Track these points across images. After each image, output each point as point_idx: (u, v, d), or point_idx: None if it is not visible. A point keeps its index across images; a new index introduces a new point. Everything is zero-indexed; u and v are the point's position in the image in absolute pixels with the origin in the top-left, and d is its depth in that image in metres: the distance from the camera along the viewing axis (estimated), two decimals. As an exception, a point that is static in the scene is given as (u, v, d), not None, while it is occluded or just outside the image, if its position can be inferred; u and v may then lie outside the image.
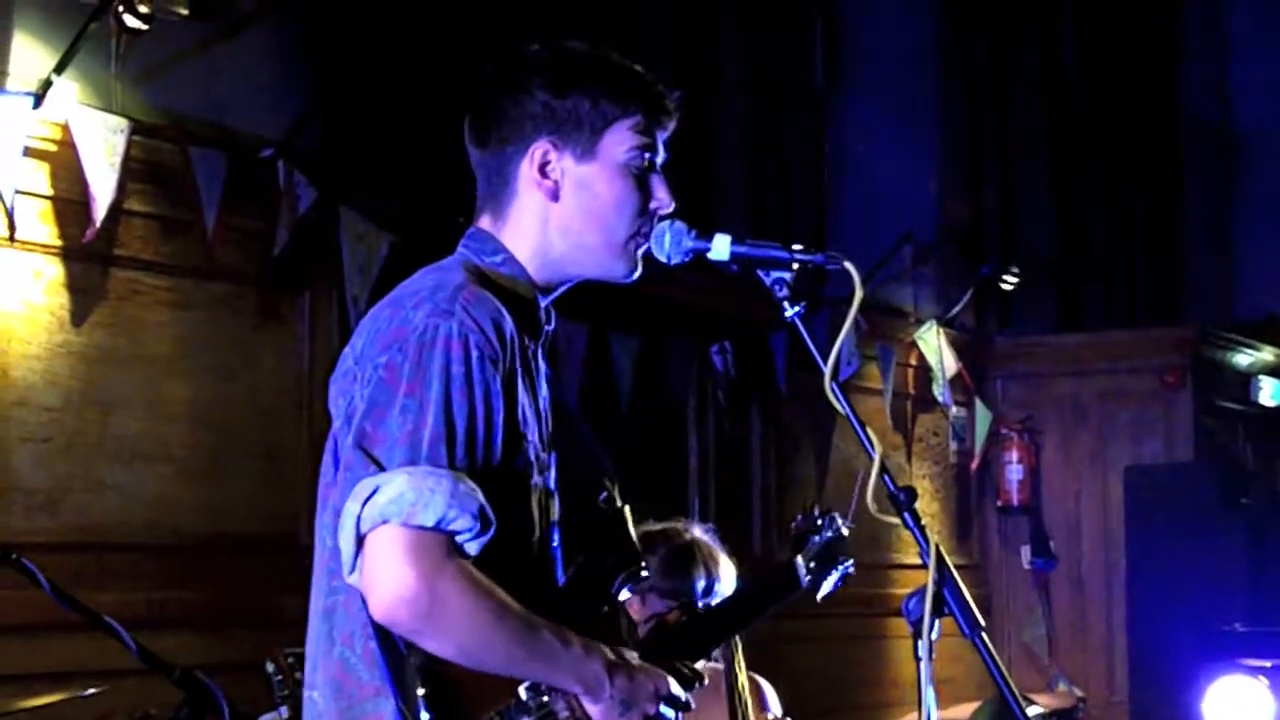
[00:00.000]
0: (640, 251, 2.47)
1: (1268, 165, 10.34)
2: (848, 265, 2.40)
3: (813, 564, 3.18)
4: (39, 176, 4.68)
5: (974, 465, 8.66)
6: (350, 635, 2.30)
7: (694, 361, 7.05)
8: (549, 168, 2.42)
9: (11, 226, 4.58)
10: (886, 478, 2.36)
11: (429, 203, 5.33)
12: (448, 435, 2.21)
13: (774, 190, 8.12)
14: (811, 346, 2.41)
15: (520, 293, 2.42)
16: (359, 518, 2.20)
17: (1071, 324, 9.61)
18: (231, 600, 5.03)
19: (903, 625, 2.35)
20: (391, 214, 5.49)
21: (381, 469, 2.21)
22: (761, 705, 3.87)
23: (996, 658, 2.32)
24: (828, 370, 2.34)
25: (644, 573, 2.49)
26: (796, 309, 2.42)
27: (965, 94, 9.05)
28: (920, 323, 8.31)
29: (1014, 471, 8.77)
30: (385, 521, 2.18)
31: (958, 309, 8.55)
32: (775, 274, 2.43)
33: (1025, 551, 8.86)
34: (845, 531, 3.25)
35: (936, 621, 2.32)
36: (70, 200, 4.72)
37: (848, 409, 2.37)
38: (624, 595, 2.48)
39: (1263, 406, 9.30)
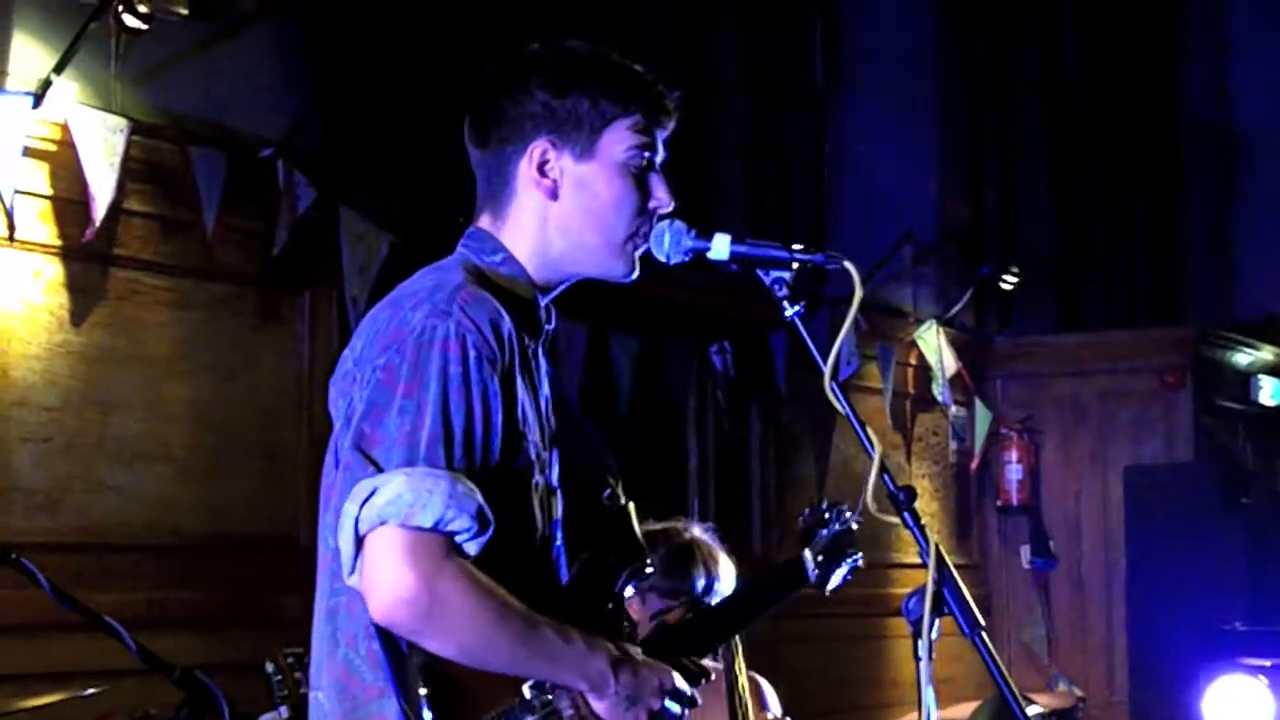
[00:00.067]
0: (639, 252, 2.47)
1: (1268, 165, 10.34)
2: (847, 265, 2.40)
3: (820, 558, 3.16)
4: (38, 176, 4.68)
5: (974, 465, 8.67)
6: (354, 637, 2.30)
7: (694, 361, 7.05)
8: (548, 167, 2.42)
9: (11, 226, 4.58)
10: (886, 477, 2.36)
11: (429, 203, 5.33)
12: (445, 436, 2.22)
13: (774, 190, 8.12)
14: (811, 346, 2.41)
15: (520, 292, 2.43)
16: (357, 519, 2.20)
17: (1071, 324, 9.61)
18: (231, 600, 5.03)
19: (903, 625, 2.35)
20: (391, 214, 5.49)
21: (380, 470, 2.21)
22: (761, 705, 3.87)
23: (996, 657, 2.32)
24: (827, 370, 2.34)
25: (648, 569, 2.50)
26: (796, 309, 2.42)
27: (965, 94, 9.05)
28: (920, 322, 8.31)
29: (1014, 471, 8.77)
30: (383, 523, 2.18)
31: (957, 309, 8.55)
32: (775, 274, 2.43)
33: (1025, 551, 8.86)
34: (854, 525, 3.24)
35: (936, 621, 2.32)
36: (70, 200, 4.72)
37: (847, 409, 2.37)
38: (628, 592, 2.48)
39: (1263, 406, 9.30)
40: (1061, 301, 9.77)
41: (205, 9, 5.05)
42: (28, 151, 4.60)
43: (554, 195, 2.43)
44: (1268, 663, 5.98)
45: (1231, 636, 6.38)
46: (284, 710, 3.93)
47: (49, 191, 4.70)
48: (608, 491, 2.50)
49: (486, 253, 2.44)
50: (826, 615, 7.19)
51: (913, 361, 8.27)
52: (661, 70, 2.52)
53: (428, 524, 2.18)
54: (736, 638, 3.57)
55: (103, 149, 4.70)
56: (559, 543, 2.43)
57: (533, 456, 2.36)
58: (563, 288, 2.50)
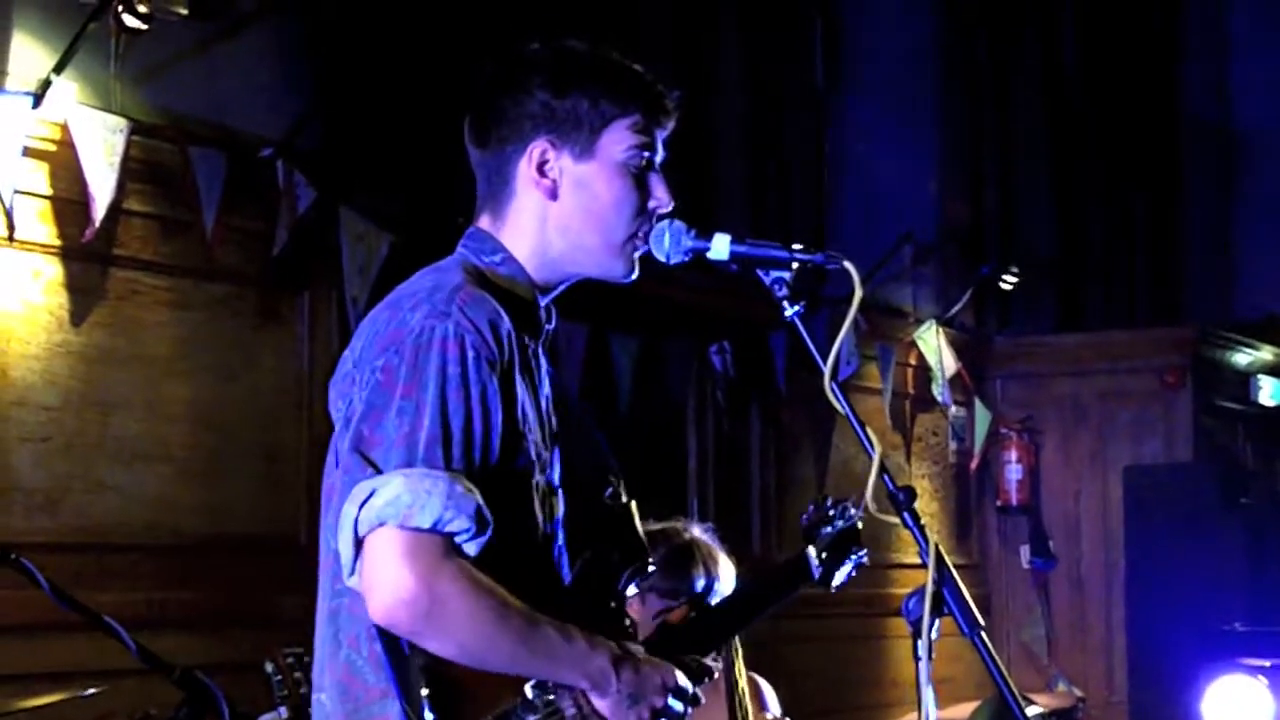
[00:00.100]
0: (639, 252, 2.47)
1: (1268, 165, 10.34)
2: (847, 265, 2.40)
3: (824, 555, 3.14)
4: (38, 176, 4.67)
5: (973, 465, 8.67)
6: (356, 638, 2.30)
7: (693, 362, 7.05)
8: (547, 166, 2.42)
9: (11, 226, 4.58)
10: (886, 477, 2.36)
11: (429, 203, 5.33)
12: (444, 436, 2.22)
13: (774, 190, 8.12)
14: (811, 346, 2.41)
15: (519, 292, 2.42)
16: (356, 520, 2.20)
17: (1071, 324, 9.61)
18: (231, 600, 5.03)
19: (902, 625, 2.35)
20: (391, 214, 5.49)
21: (378, 472, 2.21)
22: (761, 705, 3.87)
23: (996, 657, 2.32)
24: (827, 370, 2.34)
25: (650, 567, 2.50)
26: (796, 309, 2.42)
27: (965, 94, 9.05)
28: (920, 322, 8.31)
29: (1013, 471, 8.77)
30: (382, 524, 2.18)
31: (957, 309, 8.55)
32: (775, 274, 2.43)
33: (1024, 551, 8.86)
34: (859, 522, 3.22)
35: (936, 621, 2.32)
36: (69, 200, 4.72)
37: (847, 409, 2.37)
38: (631, 590, 2.48)
39: (1262, 406, 9.30)
40: (1061, 301, 9.77)
41: (205, 9, 5.05)
42: (27, 151, 4.60)
43: (553, 195, 2.43)
44: (1267, 663, 5.99)
45: (1231, 637, 6.38)
46: (283, 710, 3.93)
47: (48, 191, 4.70)
48: (609, 490, 2.50)
49: (486, 253, 2.44)
50: (826, 615, 7.19)
51: (912, 361, 8.27)
52: (661, 70, 2.52)
53: (426, 525, 2.18)
54: (736, 638, 3.57)
55: (102, 149, 4.70)
56: (561, 542, 2.43)
57: (533, 456, 2.36)
58: (562, 288, 2.50)
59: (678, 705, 2.39)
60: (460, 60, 5.26)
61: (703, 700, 2.48)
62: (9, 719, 3.84)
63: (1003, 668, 2.33)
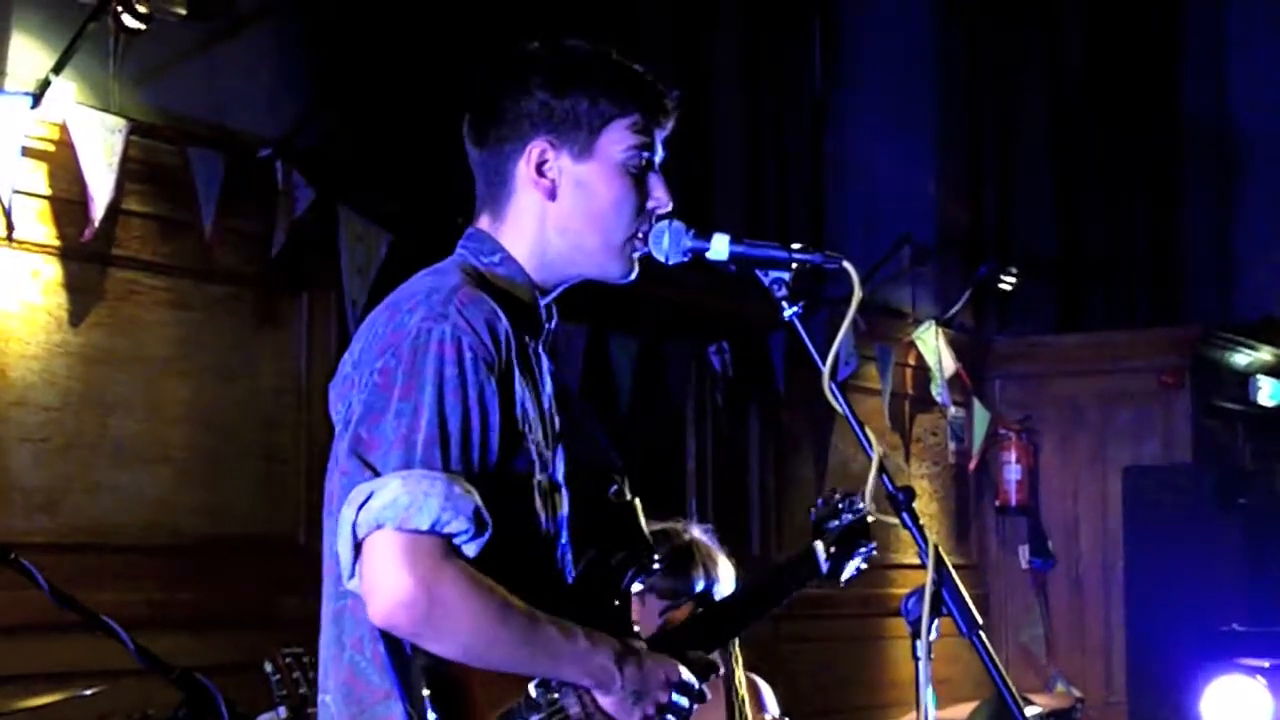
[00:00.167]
0: (638, 254, 2.47)
1: (1267, 166, 10.34)
2: (846, 265, 2.40)
3: (833, 549, 3.13)
4: (37, 176, 4.67)
5: (972, 465, 8.67)
6: (359, 640, 2.30)
7: (692, 362, 7.05)
8: (546, 166, 2.42)
9: (9, 226, 4.58)
10: (885, 478, 2.36)
11: (428, 203, 5.33)
12: (441, 438, 2.21)
13: (773, 190, 8.12)
14: (810, 346, 2.41)
15: (518, 293, 2.42)
16: (355, 523, 2.20)
17: (1071, 324, 9.61)
18: (230, 601, 5.03)
19: (901, 625, 2.35)
20: (390, 214, 5.49)
21: (376, 474, 2.21)
22: (759, 706, 3.87)
23: (994, 658, 2.32)
24: (826, 370, 2.34)
25: (655, 564, 2.49)
26: (795, 309, 2.42)
27: (965, 94, 9.05)
28: (919, 323, 8.31)
29: (1012, 472, 8.78)
30: (380, 526, 2.18)
31: (956, 309, 8.56)
32: (774, 274, 2.43)
33: (1023, 551, 8.86)
34: (870, 517, 3.20)
35: (935, 621, 2.32)
36: (68, 200, 4.72)
37: (846, 409, 2.37)
38: (636, 587, 2.48)
39: (1261, 407, 9.30)
40: (1061, 302, 9.77)
41: (204, 9, 5.05)
42: (26, 151, 4.60)
43: (552, 195, 2.43)
44: (1266, 663, 5.98)
45: (1230, 637, 6.38)
46: (282, 710, 3.93)
47: (47, 192, 4.70)
48: (614, 488, 2.50)
49: (485, 253, 2.44)
50: (826, 615, 7.20)
51: (911, 362, 8.28)
52: (661, 70, 2.52)
53: (424, 526, 2.17)
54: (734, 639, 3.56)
55: (101, 149, 4.70)
56: (564, 540, 2.43)
57: (534, 455, 2.36)
58: (561, 289, 2.50)
59: (682, 701, 2.39)
60: (460, 60, 5.26)
61: (709, 696, 2.48)
62: (8, 719, 3.84)
63: (1001, 668, 2.33)
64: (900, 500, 2.35)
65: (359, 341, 2.37)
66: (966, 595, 2.33)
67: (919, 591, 2.32)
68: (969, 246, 8.93)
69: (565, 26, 2.66)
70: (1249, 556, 7.57)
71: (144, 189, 4.93)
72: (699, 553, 3.64)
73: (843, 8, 8.61)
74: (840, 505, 3.19)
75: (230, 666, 4.23)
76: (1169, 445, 8.64)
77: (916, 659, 2.32)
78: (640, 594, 3.45)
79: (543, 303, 2.47)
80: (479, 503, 2.21)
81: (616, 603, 2.45)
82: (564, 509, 2.43)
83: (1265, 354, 9.29)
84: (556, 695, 2.28)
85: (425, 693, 2.20)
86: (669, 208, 2.47)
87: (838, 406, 2.36)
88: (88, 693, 3.89)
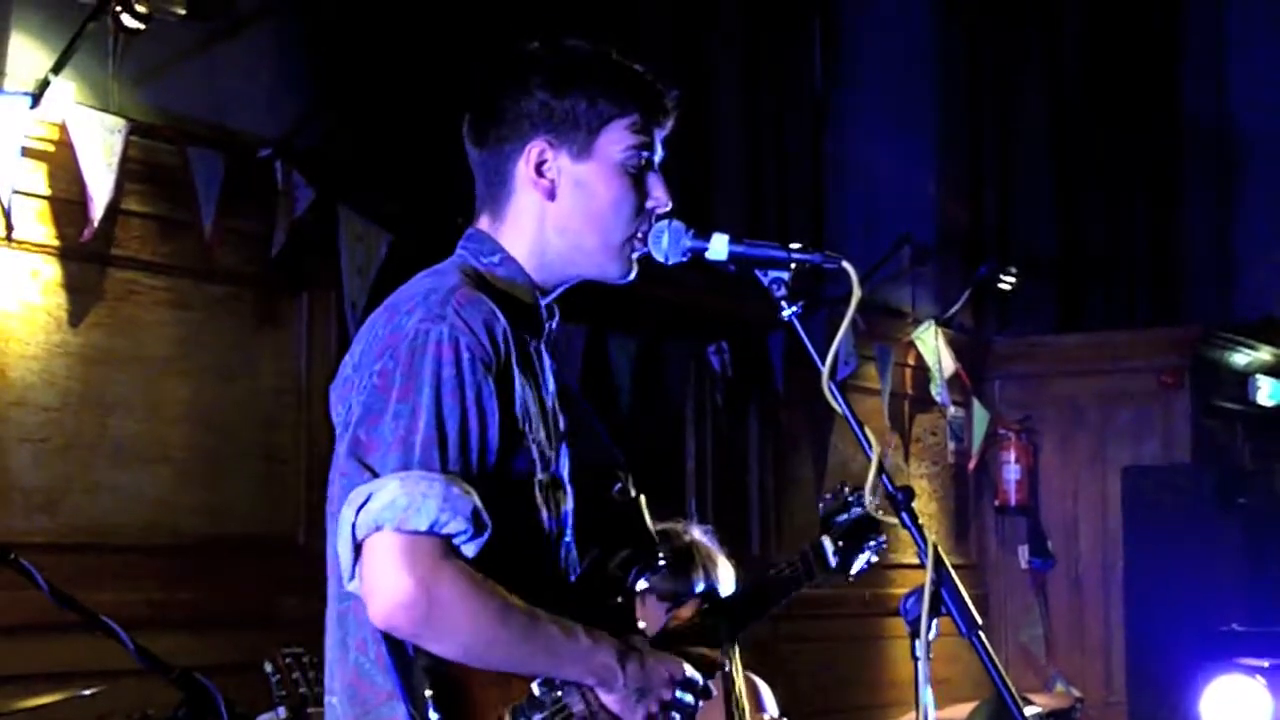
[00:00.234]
0: (637, 254, 2.47)
1: (1267, 166, 10.34)
2: (845, 265, 2.40)
3: (841, 543, 3.11)
4: (37, 176, 4.67)
5: (971, 465, 8.67)
6: (363, 641, 2.30)
7: (691, 362, 7.05)
8: (545, 166, 2.42)
9: (9, 226, 4.58)
10: (884, 477, 2.36)
11: (428, 203, 5.33)
12: (440, 439, 2.22)
13: (773, 190, 8.12)
14: (809, 346, 2.41)
15: (518, 293, 2.42)
16: (354, 525, 2.20)
17: (1071, 324, 9.61)
18: (229, 601, 5.03)
19: (900, 625, 2.35)
20: (390, 214, 5.49)
21: (375, 475, 2.21)
22: (758, 705, 3.87)
23: (994, 657, 2.32)
24: (825, 370, 2.34)
25: (660, 561, 2.49)
26: (794, 309, 2.42)
27: (965, 94, 9.05)
28: (918, 323, 8.32)
29: (1012, 471, 8.78)
30: (379, 528, 2.18)
31: (956, 309, 8.56)
32: (773, 274, 2.43)
33: (1023, 551, 8.87)
34: (878, 513, 3.19)
35: (934, 621, 2.32)
36: (68, 200, 4.72)
37: (845, 409, 2.37)
38: (641, 585, 2.48)
39: (1261, 406, 9.30)
40: (1061, 302, 9.77)
41: (203, 9, 5.05)
42: (26, 151, 4.60)
43: (551, 195, 2.43)
44: (1265, 663, 5.99)
45: (1229, 637, 6.38)
46: (282, 710, 3.94)
47: (47, 191, 4.70)
48: (618, 485, 2.51)
49: (484, 254, 2.44)
50: (825, 615, 7.19)
51: (911, 362, 8.28)
52: (661, 70, 2.52)
53: (423, 527, 2.18)
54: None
55: (101, 149, 4.70)
56: (569, 538, 2.43)
57: (535, 455, 2.36)
58: (562, 289, 2.50)
59: (687, 698, 2.39)
60: (460, 60, 5.25)
61: (714, 692, 2.48)
62: (8, 719, 3.84)
63: (1001, 668, 2.33)
64: (900, 500, 2.35)
65: (359, 344, 2.37)
66: (966, 595, 2.33)
67: (918, 591, 2.32)
68: (969, 246, 8.93)
69: (565, 26, 2.66)
70: (1249, 556, 7.58)
71: (144, 189, 4.93)
72: (699, 554, 3.64)
73: (843, 8, 8.61)
74: (850, 499, 3.17)
75: (230, 666, 4.23)
76: (1169, 445, 8.65)
77: (916, 659, 2.32)
78: (641, 594, 3.44)
79: (543, 302, 2.47)
80: (478, 503, 2.21)
81: (621, 600, 2.46)
82: (568, 507, 2.44)
83: (1265, 354, 9.29)
84: (560, 694, 2.28)
85: (427, 693, 2.21)
86: (668, 207, 2.47)
87: (837, 406, 2.36)
88: (87, 693, 3.89)
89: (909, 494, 2.37)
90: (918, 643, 2.32)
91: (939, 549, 2.34)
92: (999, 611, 8.88)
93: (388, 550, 2.18)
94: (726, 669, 2.68)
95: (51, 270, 4.73)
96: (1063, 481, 8.88)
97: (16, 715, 3.84)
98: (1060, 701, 7.64)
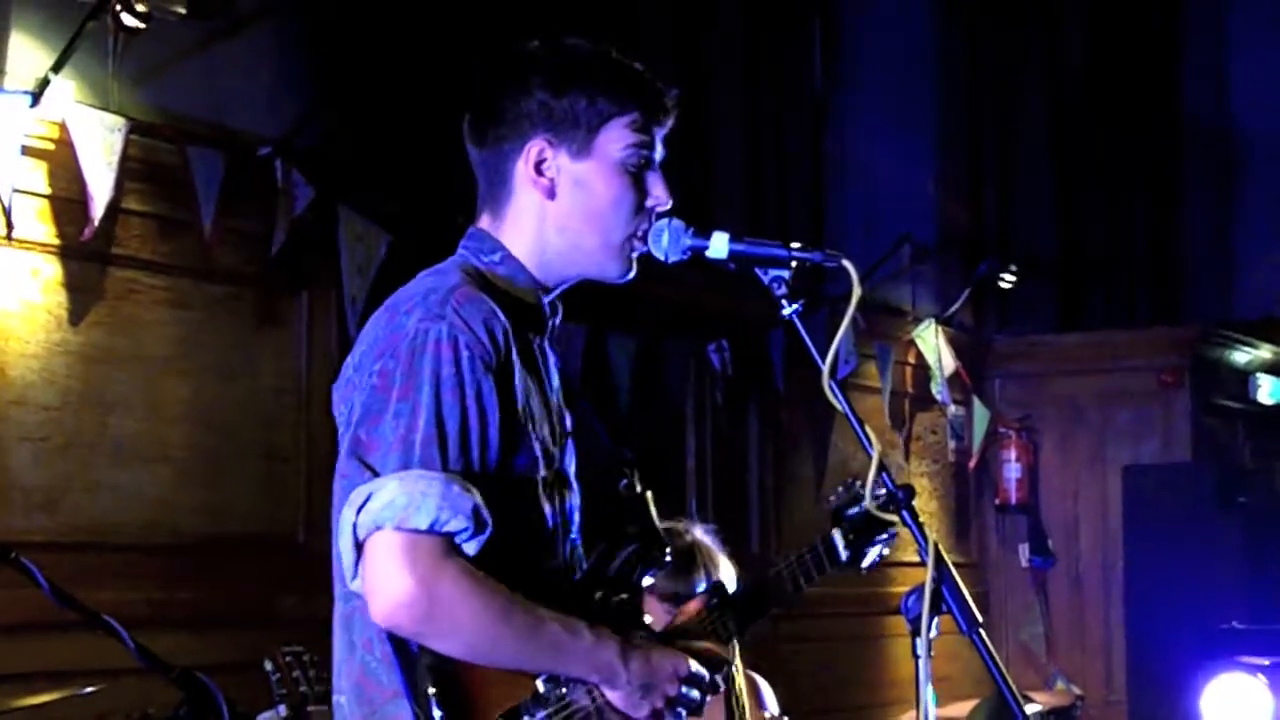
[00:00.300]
0: (637, 253, 2.47)
1: (1268, 166, 10.34)
2: (845, 263, 2.40)
3: (851, 536, 3.11)
4: (36, 175, 4.67)
5: (972, 464, 8.67)
6: (369, 640, 2.31)
7: (691, 361, 7.04)
8: (545, 165, 2.42)
9: (9, 225, 4.58)
10: (885, 476, 2.36)
11: (428, 202, 5.33)
12: (439, 437, 2.22)
13: (773, 190, 8.12)
14: (810, 345, 2.41)
15: (519, 292, 2.42)
16: (355, 525, 2.21)
17: (1071, 323, 9.61)
18: (230, 600, 5.03)
19: (901, 623, 2.36)
20: (390, 213, 5.48)
21: (376, 475, 2.22)
22: (759, 704, 3.88)
23: (994, 656, 2.32)
24: (826, 368, 2.34)
25: (666, 558, 2.50)
26: (794, 307, 2.42)
27: (965, 94, 9.05)
28: (919, 321, 8.31)
29: (1012, 470, 8.78)
30: (379, 527, 2.19)
31: (956, 308, 8.56)
32: (773, 272, 2.43)
33: (1023, 550, 8.87)
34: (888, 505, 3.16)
35: (935, 619, 2.32)
36: (68, 199, 4.71)
37: (846, 407, 2.37)
38: (646, 581, 2.48)
39: (1261, 405, 9.30)
40: (1061, 301, 9.77)
41: (203, 8, 5.04)
42: (26, 150, 4.60)
43: (551, 194, 2.43)
44: (1266, 661, 5.99)
45: (1229, 635, 6.38)
46: (282, 709, 3.94)
47: (47, 190, 4.70)
48: (624, 481, 2.51)
49: (485, 253, 2.44)
50: (825, 615, 7.19)
51: (911, 360, 8.28)
52: (661, 70, 2.52)
53: (423, 526, 2.18)
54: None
55: (101, 148, 4.70)
56: (574, 534, 2.44)
57: (538, 452, 2.36)
58: (563, 288, 2.50)
59: (693, 693, 2.39)
60: (460, 60, 5.25)
61: (721, 687, 2.48)
62: (8, 718, 3.84)
63: (1001, 666, 2.33)
64: (900, 498, 2.36)
65: (361, 344, 2.38)
66: (966, 593, 2.34)
67: (919, 589, 2.32)
68: (969, 246, 8.93)
69: (565, 26, 2.66)
70: (1249, 555, 7.58)
71: (143, 188, 4.93)
72: (700, 554, 3.64)
73: (843, 8, 8.61)
74: (860, 492, 3.16)
75: (230, 665, 4.23)
76: (1169, 444, 8.65)
77: (916, 657, 2.32)
78: (646, 590, 3.44)
79: (545, 300, 2.47)
80: (478, 501, 2.21)
81: (627, 596, 2.46)
82: (574, 503, 2.44)
83: (1265, 352, 9.29)
84: (564, 690, 2.29)
85: (431, 691, 2.21)
86: (668, 206, 2.47)
87: (837, 405, 2.36)
88: (87, 691, 3.89)
89: (909, 492, 2.37)
90: (918, 641, 2.32)
91: (939, 547, 2.34)
92: (999, 610, 8.88)
93: (388, 549, 2.18)
94: (733, 665, 2.68)
95: (51, 269, 4.73)
96: (1063, 480, 8.88)
97: (16, 714, 3.84)
98: (1061, 699, 7.65)
